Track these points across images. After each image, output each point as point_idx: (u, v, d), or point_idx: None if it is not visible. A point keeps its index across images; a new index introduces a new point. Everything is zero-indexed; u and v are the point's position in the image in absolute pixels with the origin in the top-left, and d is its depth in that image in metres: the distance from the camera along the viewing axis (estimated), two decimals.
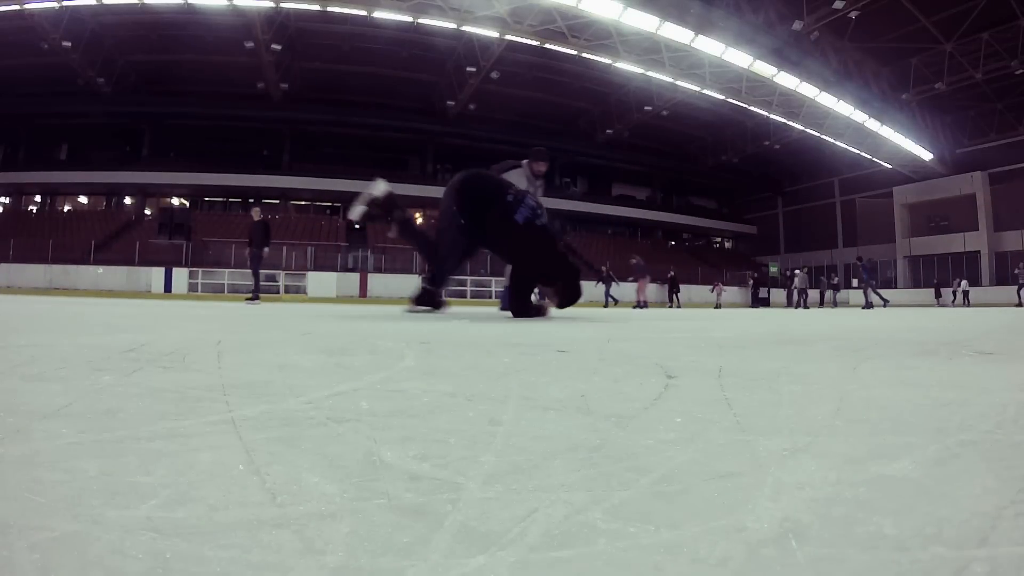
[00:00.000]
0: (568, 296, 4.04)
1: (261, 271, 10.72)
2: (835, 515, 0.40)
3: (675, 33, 18.51)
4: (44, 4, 18.84)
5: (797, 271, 21.16)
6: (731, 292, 25.50)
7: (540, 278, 4.10)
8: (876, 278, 19.08)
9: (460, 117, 28.64)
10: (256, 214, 11.20)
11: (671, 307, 18.60)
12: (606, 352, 1.51)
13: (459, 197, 4.09)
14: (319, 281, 20.73)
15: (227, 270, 21.42)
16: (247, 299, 10.29)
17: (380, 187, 4.26)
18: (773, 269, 32.86)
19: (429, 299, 4.20)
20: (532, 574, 0.32)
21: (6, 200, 29.85)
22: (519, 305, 3.97)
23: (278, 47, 22.08)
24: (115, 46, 23.62)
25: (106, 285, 19.87)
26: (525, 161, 6.14)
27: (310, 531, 0.37)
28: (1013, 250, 24.91)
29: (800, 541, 0.36)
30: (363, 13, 18.71)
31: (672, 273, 21.51)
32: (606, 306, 16.06)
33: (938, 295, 23.94)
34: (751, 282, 25.59)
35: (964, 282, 23.29)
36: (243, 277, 21.14)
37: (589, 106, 29.48)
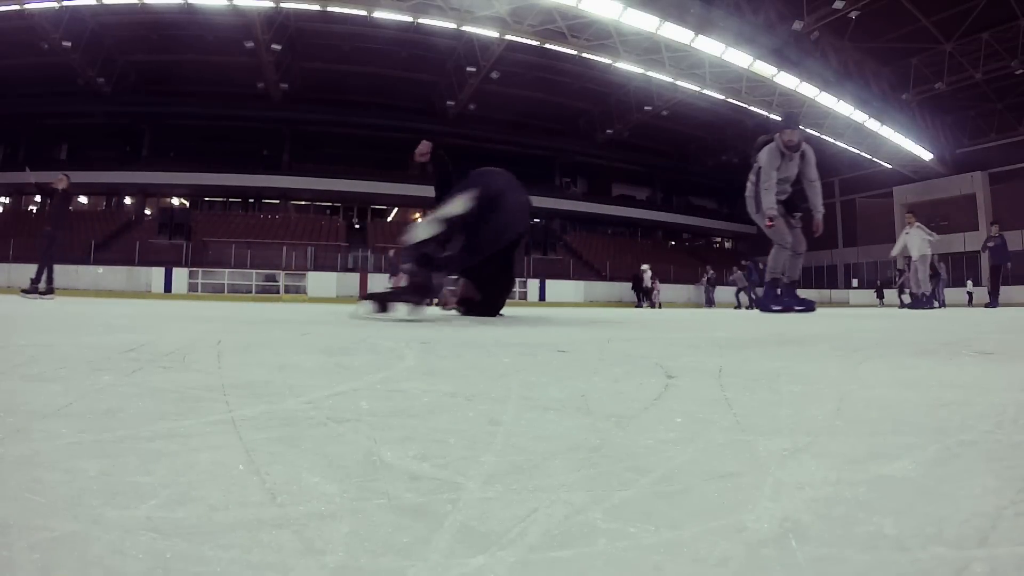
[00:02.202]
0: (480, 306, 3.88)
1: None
2: (835, 515, 0.40)
3: (675, 33, 18.52)
4: (44, 4, 18.84)
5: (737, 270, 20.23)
6: (686, 290, 24.84)
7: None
8: (758, 280, 19.14)
9: (460, 117, 28.63)
10: (61, 182, 7.93)
11: (641, 307, 18.75)
12: (606, 352, 1.51)
13: None
14: (319, 281, 20.74)
15: (227, 270, 21.42)
16: (25, 291, 7.59)
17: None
18: None
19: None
20: (532, 574, 0.32)
21: (6, 200, 29.85)
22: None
23: (278, 47, 22.08)
24: (115, 46, 23.62)
25: (106, 285, 19.88)
26: (777, 134, 5.26)
27: (310, 531, 0.37)
28: (1013, 250, 24.87)
29: (800, 541, 0.36)
30: (363, 13, 18.72)
31: (637, 273, 21.63)
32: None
33: (880, 296, 23.12)
34: (704, 279, 22.75)
35: (969, 282, 23.22)
36: (243, 277, 21.17)
37: (589, 106, 29.48)
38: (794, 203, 5.74)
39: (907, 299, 13.24)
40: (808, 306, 5.90)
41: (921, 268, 11.64)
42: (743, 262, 19.95)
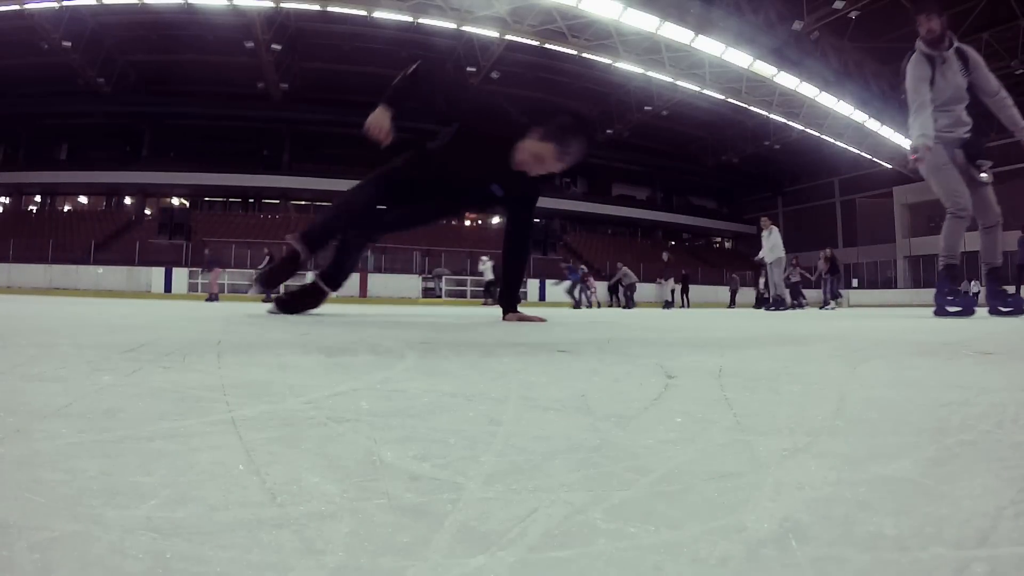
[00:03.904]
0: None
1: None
2: (835, 515, 0.40)
3: (675, 33, 18.56)
4: (44, 4, 18.86)
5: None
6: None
7: None
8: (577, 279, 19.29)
9: None
10: None
11: (621, 307, 18.70)
12: (606, 352, 1.51)
13: None
14: None
15: (227, 270, 21.40)
16: None
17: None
18: None
19: None
20: (532, 574, 0.32)
21: (6, 200, 29.84)
22: None
23: (278, 47, 22.10)
24: (115, 46, 23.63)
25: (106, 285, 19.89)
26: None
27: (310, 531, 0.37)
28: (1013, 250, 24.85)
29: (800, 541, 0.36)
30: (363, 13, 18.74)
31: (621, 269, 21.61)
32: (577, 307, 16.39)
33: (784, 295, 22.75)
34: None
35: (975, 282, 23.16)
36: (243, 277, 21.16)
37: (589, 106, 29.49)
38: (978, 147, 4.06)
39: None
40: (1018, 307, 4.08)
41: (776, 271, 11.81)
42: (562, 264, 20.12)
